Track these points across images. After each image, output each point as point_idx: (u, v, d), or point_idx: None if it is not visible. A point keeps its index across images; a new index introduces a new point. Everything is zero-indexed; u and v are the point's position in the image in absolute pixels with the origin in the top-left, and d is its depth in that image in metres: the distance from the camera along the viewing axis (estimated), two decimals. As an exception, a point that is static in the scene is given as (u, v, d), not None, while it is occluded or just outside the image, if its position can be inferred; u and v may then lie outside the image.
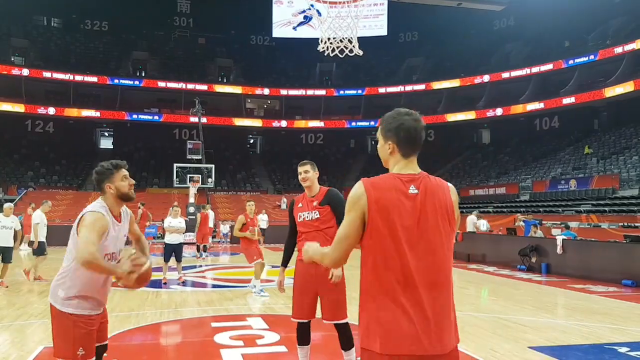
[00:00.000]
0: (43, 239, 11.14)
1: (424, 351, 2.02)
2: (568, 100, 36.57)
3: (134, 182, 3.25)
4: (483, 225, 18.87)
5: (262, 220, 22.95)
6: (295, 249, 4.54)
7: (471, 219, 18.80)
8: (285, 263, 4.61)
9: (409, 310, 2.03)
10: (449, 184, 2.26)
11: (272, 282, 11.43)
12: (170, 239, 10.66)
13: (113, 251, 3.21)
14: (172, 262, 10.75)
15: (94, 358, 3.19)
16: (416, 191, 2.13)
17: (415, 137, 2.20)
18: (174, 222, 10.70)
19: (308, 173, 4.49)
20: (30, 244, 11.35)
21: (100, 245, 3.05)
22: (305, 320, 4.38)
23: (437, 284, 2.09)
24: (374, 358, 2.05)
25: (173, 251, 10.66)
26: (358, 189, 2.14)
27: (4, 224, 10.30)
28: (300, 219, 4.45)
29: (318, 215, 4.38)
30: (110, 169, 3.17)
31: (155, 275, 11.46)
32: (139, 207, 20.97)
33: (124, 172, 3.20)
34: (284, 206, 31.71)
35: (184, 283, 10.67)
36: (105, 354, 3.49)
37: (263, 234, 22.98)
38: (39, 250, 11.11)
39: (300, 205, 4.53)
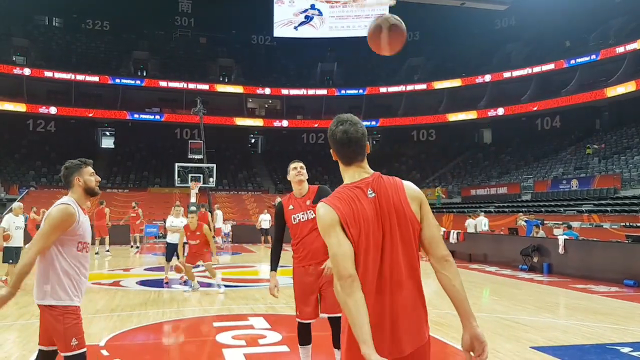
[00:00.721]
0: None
1: (399, 353, 2.10)
2: (569, 100, 36.52)
3: (99, 179, 3.52)
4: (485, 225, 18.92)
5: (265, 220, 22.99)
6: (284, 251, 4.49)
7: (482, 220, 18.84)
8: (275, 267, 4.49)
9: (382, 316, 2.09)
10: (405, 182, 2.25)
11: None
12: (172, 238, 10.67)
13: (86, 241, 3.39)
14: (174, 261, 10.76)
15: (86, 349, 3.28)
16: (374, 194, 2.16)
17: (346, 149, 2.22)
18: (176, 221, 10.72)
19: (303, 169, 4.42)
20: None
21: (74, 234, 3.27)
22: (310, 321, 4.34)
23: (402, 283, 2.12)
24: None
25: (175, 250, 10.67)
26: (327, 211, 2.13)
27: (18, 225, 10.29)
28: (295, 221, 4.33)
29: (314, 215, 4.23)
30: (80, 164, 3.44)
31: (158, 275, 11.52)
32: (134, 206, 21.02)
33: (91, 169, 3.47)
34: None
35: (185, 282, 10.68)
36: None
37: (267, 234, 22.97)
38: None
39: (291, 207, 4.39)
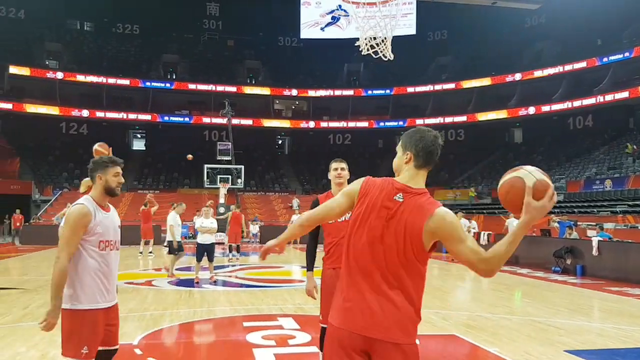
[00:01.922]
0: (178, 239, 11.60)
1: (357, 329, 2.27)
2: (602, 99, 35.75)
3: (122, 181, 3.45)
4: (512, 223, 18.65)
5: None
6: (317, 251, 4.36)
7: (513, 221, 18.62)
8: (311, 267, 4.35)
9: (361, 294, 2.30)
10: (441, 210, 2.28)
11: (303, 283, 11.48)
12: (202, 239, 10.77)
13: (108, 239, 3.30)
14: (204, 261, 10.86)
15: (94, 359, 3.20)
16: (401, 199, 2.32)
17: (431, 151, 2.39)
18: (206, 222, 10.80)
19: (344, 170, 4.26)
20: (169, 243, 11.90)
21: (92, 233, 3.22)
22: None
23: (388, 280, 2.28)
24: (327, 329, 2.44)
25: (205, 251, 10.76)
26: (359, 180, 2.48)
27: None
28: (331, 221, 4.11)
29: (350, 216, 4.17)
30: (106, 163, 3.39)
31: (188, 275, 11.66)
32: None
33: (118, 169, 3.40)
34: (295, 206, 31.55)
35: (215, 282, 10.77)
36: None
37: None
38: (174, 249, 11.55)
39: None
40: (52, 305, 3.11)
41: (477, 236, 17.49)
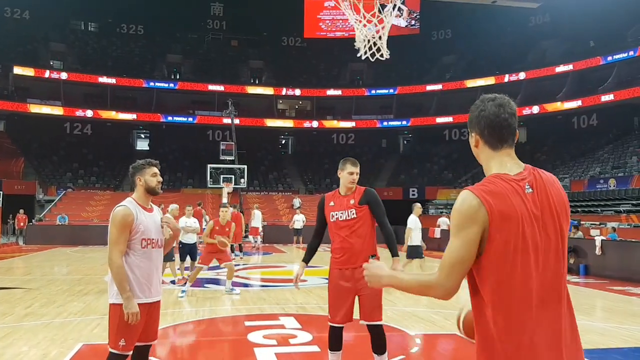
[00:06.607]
0: (418, 243, 10.83)
1: None
2: (607, 98, 35.63)
3: (161, 179, 3.65)
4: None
5: (297, 221, 22.97)
6: (319, 249, 4.44)
7: (443, 220, 18.66)
8: (306, 259, 4.42)
9: (544, 336, 1.71)
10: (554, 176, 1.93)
11: (305, 282, 11.48)
12: (186, 238, 10.79)
13: (150, 237, 3.50)
14: (188, 261, 10.89)
15: (130, 353, 3.40)
16: (531, 190, 1.80)
17: (498, 125, 1.86)
18: (189, 222, 10.85)
19: (357, 175, 4.26)
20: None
21: (134, 232, 3.42)
22: (342, 325, 4.20)
23: (559, 299, 1.76)
24: None
25: (189, 250, 10.81)
26: (472, 201, 1.75)
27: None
28: (333, 218, 4.19)
29: (355, 215, 4.12)
30: (144, 165, 3.62)
31: (188, 275, 11.62)
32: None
33: (155, 170, 3.61)
34: (297, 206, 31.53)
35: (185, 285, 10.62)
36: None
37: (299, 234, 22.97)
38: (415, 253, 10.83)
39: (332, 204, 4.23)
40: (123, 299, 3.34)
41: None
